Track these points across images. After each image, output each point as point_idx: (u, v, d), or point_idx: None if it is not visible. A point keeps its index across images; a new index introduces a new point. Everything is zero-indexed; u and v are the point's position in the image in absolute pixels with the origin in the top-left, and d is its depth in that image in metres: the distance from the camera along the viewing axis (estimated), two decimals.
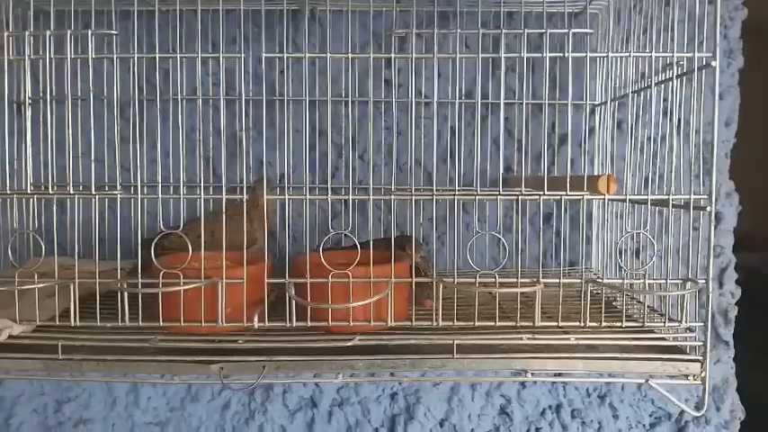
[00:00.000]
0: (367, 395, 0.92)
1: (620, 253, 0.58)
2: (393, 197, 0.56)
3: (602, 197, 0.55)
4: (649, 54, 0.58)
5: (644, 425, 0.93)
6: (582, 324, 0.55)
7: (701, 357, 0.55)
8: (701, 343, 0.55)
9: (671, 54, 0.57)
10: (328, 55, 0.57)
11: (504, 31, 0.60)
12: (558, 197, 0.54)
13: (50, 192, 0.59)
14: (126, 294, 0.55)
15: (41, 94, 0.64)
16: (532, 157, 0.90)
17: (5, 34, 0.61)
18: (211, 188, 0.84)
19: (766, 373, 0.98)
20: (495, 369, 0.56)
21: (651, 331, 0.59)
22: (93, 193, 0.58)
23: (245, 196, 0.59)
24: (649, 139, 0.79)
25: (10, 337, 0.56)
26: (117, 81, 0.59)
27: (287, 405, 0.92)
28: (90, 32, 0.55)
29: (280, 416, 0.92)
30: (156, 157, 0.72)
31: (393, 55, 0.61)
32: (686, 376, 0.55)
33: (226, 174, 0.86)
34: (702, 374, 0.55)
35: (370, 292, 0.55)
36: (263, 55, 0.58)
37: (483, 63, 0.88)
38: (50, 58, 0.58)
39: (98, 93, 0.80)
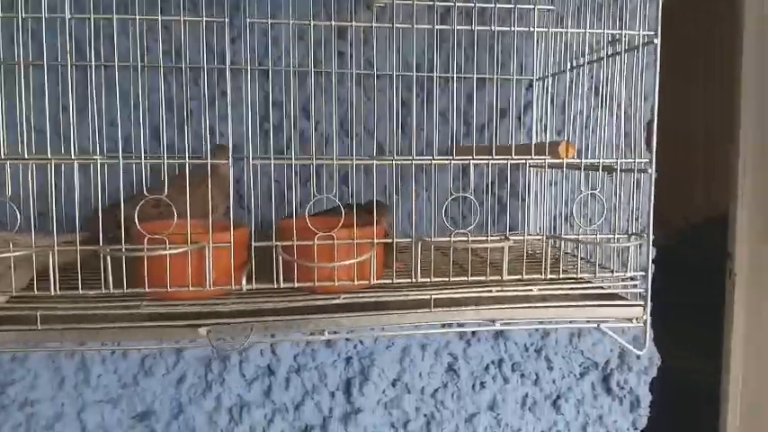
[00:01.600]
0: (323, 360, 0.95)
1: (571, 213, 0.64)
2: (375, 162, 0.59)
3: (561, 161, 0.61)
4: (594, 31, 0.64)
5: (575, 374, 1.03)
6: (543, 277, 0.62)
7: (642, 303, 0.63)
8: (643, 290, 0.63)
9: (618, 31, 0.64)
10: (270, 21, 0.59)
11: (456, 3, 0.64)
12: (522, 161, 0.60)
13: (1, 157, 0.57)
14: (108, 260, 0.55)
15: None
16: (476, 129, 0.96)
17: None
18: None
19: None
20: (467, 320, 0.61)
21: (597, 283, 0.66)
22: (49, 157, 0.56)
23: (208, 161, 0.59)
24: (581, 112, 0.87)
25: None
26: (70, 44, 0.58)
27: (244, 374, 0.93)
28: None
29: (237, 385, 0.93)
30: (103, 128, 0.71)
31: (352, 24, 0.63)
32: (630, 320, 0.63)
33: (176, 144, 0.86)
34: (644, 317, 0.62)
35: (353, 253, 0.58)
36: (250, 20, 0.58)
37: (431, 36, 0.92)
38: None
39: (35, 58, 0.77)
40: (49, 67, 0.56)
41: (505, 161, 0.60)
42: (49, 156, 0.56)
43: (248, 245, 0.59)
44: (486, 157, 0.60)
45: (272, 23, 0.60)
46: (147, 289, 0.56)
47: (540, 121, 0.94)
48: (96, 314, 0.55)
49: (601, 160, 0.62)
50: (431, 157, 0.61)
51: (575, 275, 0.64)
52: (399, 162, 0.60)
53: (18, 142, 0.57)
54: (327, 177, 0.92)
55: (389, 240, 0.60)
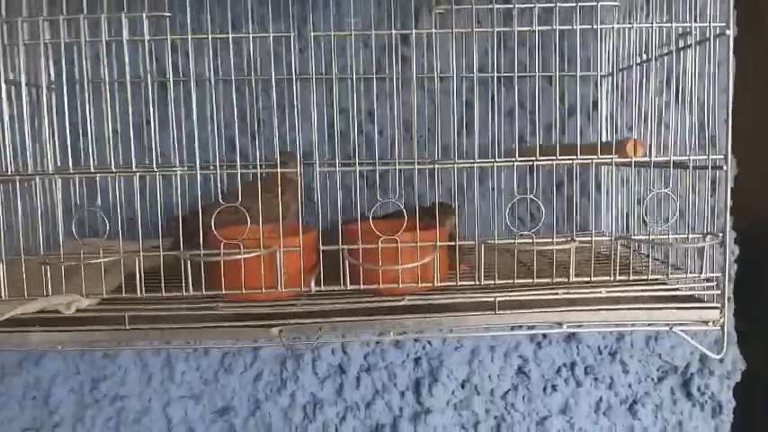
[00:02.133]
0: (393, 360, 0.97)
1: (645, 211, 0.63)
2: (437, 166, 0.60)
3: (630, 160, 0.59)
4: (662, 25, 0.63)
5: (652, 378, 0.99)
6: (612, 279, 0.60)
7: (720, 305, 0.60)
8: (719, 292, 0.61)
9: (687, 24, 0.62)
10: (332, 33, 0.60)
11: (516, 5, 0.64)
12: (588, 161, 0.59)
13: (92, 171, 0.61)
14: (189, 264, 0.58)
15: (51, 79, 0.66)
16: (543, 128, 0.95)
17: (41, 19, 0.62)
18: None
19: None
20: (533, 322, 0.60)
21: (671, 285, 0.64)
22: (135, 169, 0.61)
23: (278, 170, 0.62)
24: (652, 108, 0.84)
25: (78, 310, 0.59)
26: (150, 63, 0.62)
27: (317, 373, 0.96)
28: (144, 15, 0.58)
29: (310, 383, 0.96)
30: (182, 139, 0.75)
31: (413, 31, 0.64)
32: (706, 323, 0.61)
33: (249, 152, 0.90)
34: (721, 320, 0.60)
35: (416, 256, 0.59)
36: (312, 34, 0.60)
37: (493, 38, 0.92)
38: (86, 41, 0.60)
39: (118, 76, 0.83)
40: (132, 83, 0.61)
41: (570, 161, 0.59)
42: (134, 168, 0.61)
43: (317, 248, 0.61)
44: (551, 158, 0.59)
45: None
46: (223, 291, 0.59)
47: (610, 118, 0.91)
48: (179, 315, 0.59)
49: (672, 157, 0.60)
50: (493, 160, 0.62)
51: (646, 277, 0.62)
52: (462, 165, 0.60)
53: (106, 155, 0.62)
54: (392, 181, 0.94)
55: (452, 243, 0.61)
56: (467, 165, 0.62)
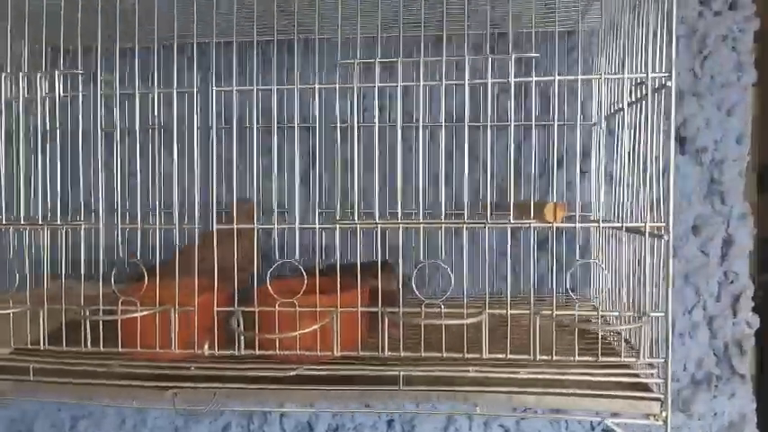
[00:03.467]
0: (362, 422, 0.92)
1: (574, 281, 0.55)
2: (379, 225, 0.56)
3: (550, 224, 0.53)
4: (616, 76, 0.56)
5: None
6: (532, 358, 0.53)
7: (662, 396, 0.51)
8: (662, 380, 0.52)
9: (637, 75, 0.55)
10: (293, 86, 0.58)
11: (490, 56, 0.59)
12: (524, 225, 0.53)
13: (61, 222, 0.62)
14: (88, 322, 0.58)
15: None
16: (526, 179, 0.88)
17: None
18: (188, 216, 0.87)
19: None
20: (441, 401, 0.54)
21: (623, 366, 0.56)
22: (41, 223, 0.61)
23: (234, 225, 0.60)
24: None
25: None
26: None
27: (284, 429, 0.93)
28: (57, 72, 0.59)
29: None
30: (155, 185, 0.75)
31: (376, 84, 0.61)
32: (648, 416, 0.52)
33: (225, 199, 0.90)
34: (664, 414, 0.51)
35: (316, 322, 0.55)
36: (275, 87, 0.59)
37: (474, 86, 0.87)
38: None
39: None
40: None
41: (476, 225, 0.53)
42: (41, 221, 0.61)
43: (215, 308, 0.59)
44: (457, 222, 0.54)
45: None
46: (120, 349, 0.58)
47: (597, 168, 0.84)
48: (80, 370, 0.58)
49: (601, 224, 0.53)
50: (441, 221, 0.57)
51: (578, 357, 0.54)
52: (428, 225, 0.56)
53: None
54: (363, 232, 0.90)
55: (353, 309, 0.56)
56: (417, 225, 0.58)
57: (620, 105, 0.64)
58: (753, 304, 0.85)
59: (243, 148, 0.88)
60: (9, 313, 0.59)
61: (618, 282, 0.60)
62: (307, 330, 0.53)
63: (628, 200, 0.58)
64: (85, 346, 0.58)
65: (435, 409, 0.85)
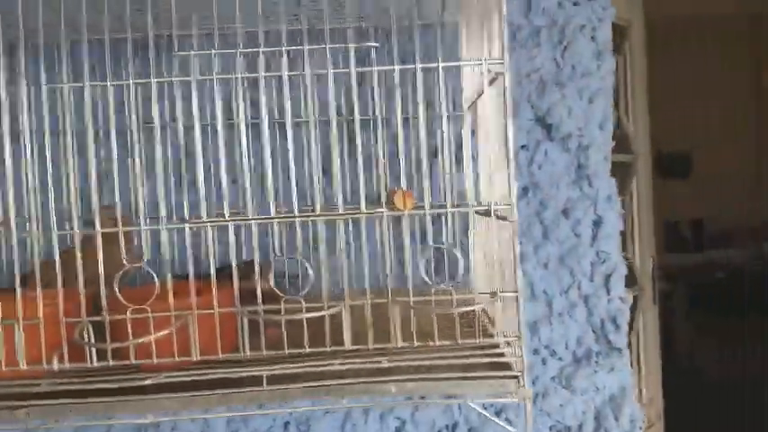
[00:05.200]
0: (257, 427, 0.90)
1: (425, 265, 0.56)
2: (253, 221, 0.54)
3: (402, 212, 0.53)
4: (454, 64, 0.57)
5: None
6: (394, 345, 0.54)
7: (519, 373, 0.53)
8: (516, 358, 0.53)
9: (473, 63, 0.56)
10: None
11: (352, 45, 0.59)
12: (354, 216, 0.53)
13: None
14: None
15: None
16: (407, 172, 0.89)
17: None
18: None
19: None
20: (307, 397, 0.54)
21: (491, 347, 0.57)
22: None
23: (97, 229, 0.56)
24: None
25: None
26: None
27: None
28: None
29: None
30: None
31: (261, 74, 0.58)
32: (508, 394, 0.53)
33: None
34: (524, 393, 0.53)
35: (171, 326, 0.53)
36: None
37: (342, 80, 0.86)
38: None
39: None
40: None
41: (333, 217, 0.53)
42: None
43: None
44: (304, 216, 0.54)
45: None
46: None
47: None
48: None
49: (450, 208, 0.54)
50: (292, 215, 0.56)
51: (435, 342, 0.55)
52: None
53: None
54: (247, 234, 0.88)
55: (210, 311, 0.55)
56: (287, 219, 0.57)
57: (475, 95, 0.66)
58: (624, 281, 0.90)
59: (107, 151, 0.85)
60: None
61: (483, 266, 0.61)
62: (159, 335, 0.51)
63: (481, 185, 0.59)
64: None
65: (331, 406, 0.85)
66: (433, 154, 0.87)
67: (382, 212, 0.53)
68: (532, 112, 0.86)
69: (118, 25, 0.60)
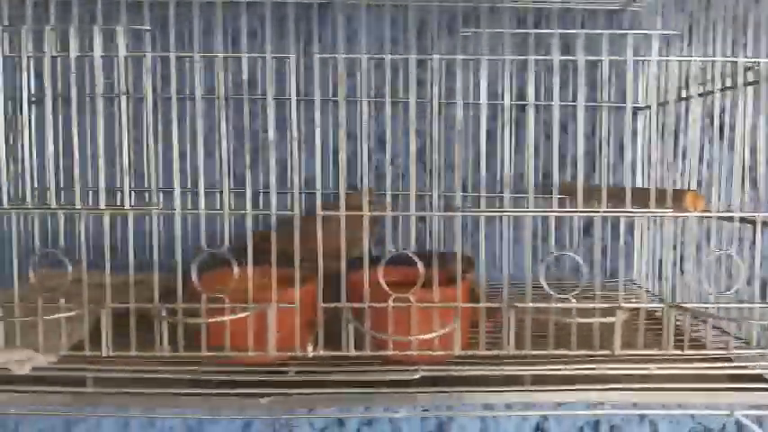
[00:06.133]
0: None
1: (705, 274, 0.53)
2: (436, 215, 0.51)
3: (687, 214, 0.50)
4: (729, 59, 0.54)
5: None
6: (666, 352, 0.51)
7: None
8: None
9: (739, 59, 0.53)
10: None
11: (533, 31, 0.56)
12: (640, 216, 0.50)
13: (53, 207, 0.52)
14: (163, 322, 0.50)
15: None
16: (571, 162, 0.86)
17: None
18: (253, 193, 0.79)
19: None
20: (570, 401, 0.51)
21: (730, 359, 0.55)
22: (104, 209, 0.51)
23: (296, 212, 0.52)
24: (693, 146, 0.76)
25: (33, 369, 0.50)
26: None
27: (312, 424, 0.87)
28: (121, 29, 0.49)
29: None
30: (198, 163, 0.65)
31: (413, 56, 0.54)
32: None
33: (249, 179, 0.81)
34: None
35: (434, 319, 0.50)
36: (319, 55, 0.52)
37: (519, 63, 0.83)
38: (52, 56, 0.51)
39: (107, 91, 0.75)
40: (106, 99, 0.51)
41: (618, 214, 0.50)
42: (103, 206, 0.51)
43: (316, 304, 0.52)
44: (591, 211, 0.50)
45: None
46: (204, 352, 0.50)
47: (646, 154, 0.83)
48: (149, 378, 0.50)
49: (739, 213, 0.51)
50: (523, 209, 0.53)
51: (704, 351, 0.53)
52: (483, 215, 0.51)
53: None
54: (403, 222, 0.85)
55: (476, 305, 0.52)
56: (490, 214, 0.54)
57: (713, 89, 0.63)
58: None
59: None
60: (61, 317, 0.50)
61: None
62: (441, 332, 0.48)
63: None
64: (163, 349, 0.50)
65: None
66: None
67: (667, 213, 0.50)
68: None
69: None
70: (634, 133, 0.85)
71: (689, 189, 0.50)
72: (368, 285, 0.50)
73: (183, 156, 0.76)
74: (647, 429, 0.89)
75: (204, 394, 0.49)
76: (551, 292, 0.51)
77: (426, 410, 0.84)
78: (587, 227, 0.86)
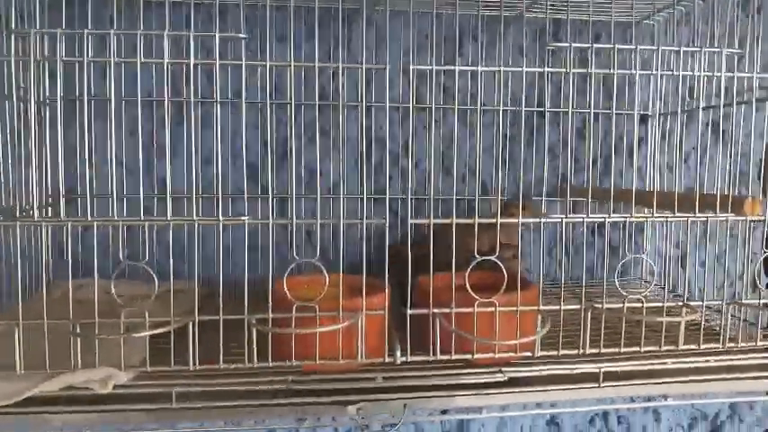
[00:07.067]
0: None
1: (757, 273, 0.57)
2: (543, 221, 0.53)
3: (744, 218, 0.54)
4: (746, 74, 0.58)
5: (682, 426, 0.96)
6: (722, 347, 0.55)
7: None
8: None
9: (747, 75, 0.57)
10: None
11: (549, 46, 0.58)
12: (704, 218, 0.54)
13: (87, 219, 0.50)
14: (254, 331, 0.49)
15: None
16: (583, 166, 0.90)
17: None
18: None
19: None
20: (638, 395, 0.54)
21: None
22: (142, 219, 0.50)
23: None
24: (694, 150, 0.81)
25: (115, 386, 0.49)
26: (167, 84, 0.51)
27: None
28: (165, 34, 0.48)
29: None
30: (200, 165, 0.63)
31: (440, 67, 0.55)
32: None
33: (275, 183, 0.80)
34: None
35: (516, 322, 0.52)
36: (344, 65, 0.52)
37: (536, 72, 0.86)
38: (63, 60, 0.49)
39: (129, 94, 0.72)
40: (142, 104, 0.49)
41: (685, 218, 0.54)
42: (142, 218, 0.49)
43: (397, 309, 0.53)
44: (643, 215, 0.54)
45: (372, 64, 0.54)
46: (293, 362, 0.50)
47: (651, 158, 0.88)
48: (240, 390, 0.50)
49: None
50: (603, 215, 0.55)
51: (755, 344, 0.57)
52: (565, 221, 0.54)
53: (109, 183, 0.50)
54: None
55: (557, 308, 0.54)
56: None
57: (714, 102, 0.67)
58: None
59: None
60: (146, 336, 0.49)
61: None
62: (531, 339, 0.50)
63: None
64: (250, 361, 0.49)
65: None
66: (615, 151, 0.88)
67: (726, 218, 0.54)
68: None
69: None
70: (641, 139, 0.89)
71: (750, 195, 0.54)
72: (454, 290, 0.52)
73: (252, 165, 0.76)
74: (650, 417, 0.94)
75: (297, 404, 0.49)
76: (624, 293, 0.53)
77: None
78: (598, 227, 0.90)
